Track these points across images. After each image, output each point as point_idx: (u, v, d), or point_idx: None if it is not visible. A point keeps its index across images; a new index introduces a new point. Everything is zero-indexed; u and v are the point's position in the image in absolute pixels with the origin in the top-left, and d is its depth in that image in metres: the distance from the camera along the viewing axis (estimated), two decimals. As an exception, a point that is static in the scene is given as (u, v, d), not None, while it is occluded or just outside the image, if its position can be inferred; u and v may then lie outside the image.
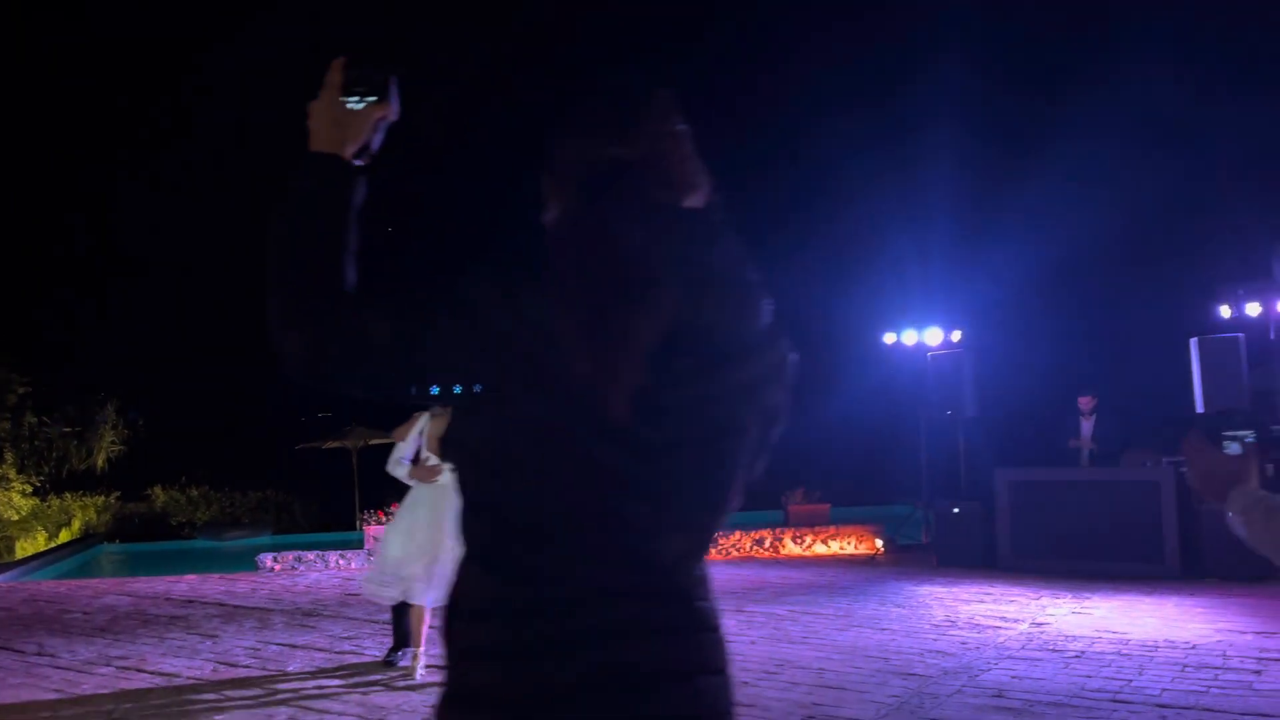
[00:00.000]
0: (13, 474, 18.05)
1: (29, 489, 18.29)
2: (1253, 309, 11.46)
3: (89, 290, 26.05)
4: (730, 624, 7.54)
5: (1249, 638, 6.67)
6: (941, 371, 12.06)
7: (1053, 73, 22.83)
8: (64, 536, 17.68)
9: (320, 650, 6.97)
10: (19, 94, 24.67)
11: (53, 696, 5.81)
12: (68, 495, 19.27)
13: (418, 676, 5.96)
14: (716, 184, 1.48)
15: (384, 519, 12.36)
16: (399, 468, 6.33)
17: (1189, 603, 8.05)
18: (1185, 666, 5.97)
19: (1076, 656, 6.33)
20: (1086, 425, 10.86)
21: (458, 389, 1.32)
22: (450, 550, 5.61)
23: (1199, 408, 9.90)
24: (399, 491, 6.45)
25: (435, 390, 1.34)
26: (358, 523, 16.41)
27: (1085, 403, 10.92)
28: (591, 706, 1.28)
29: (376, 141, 1.50)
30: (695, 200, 1.45)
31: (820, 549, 12.83)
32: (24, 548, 16.04)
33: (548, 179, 1.45)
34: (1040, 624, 7.42)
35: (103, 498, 19.91)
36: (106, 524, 19.49)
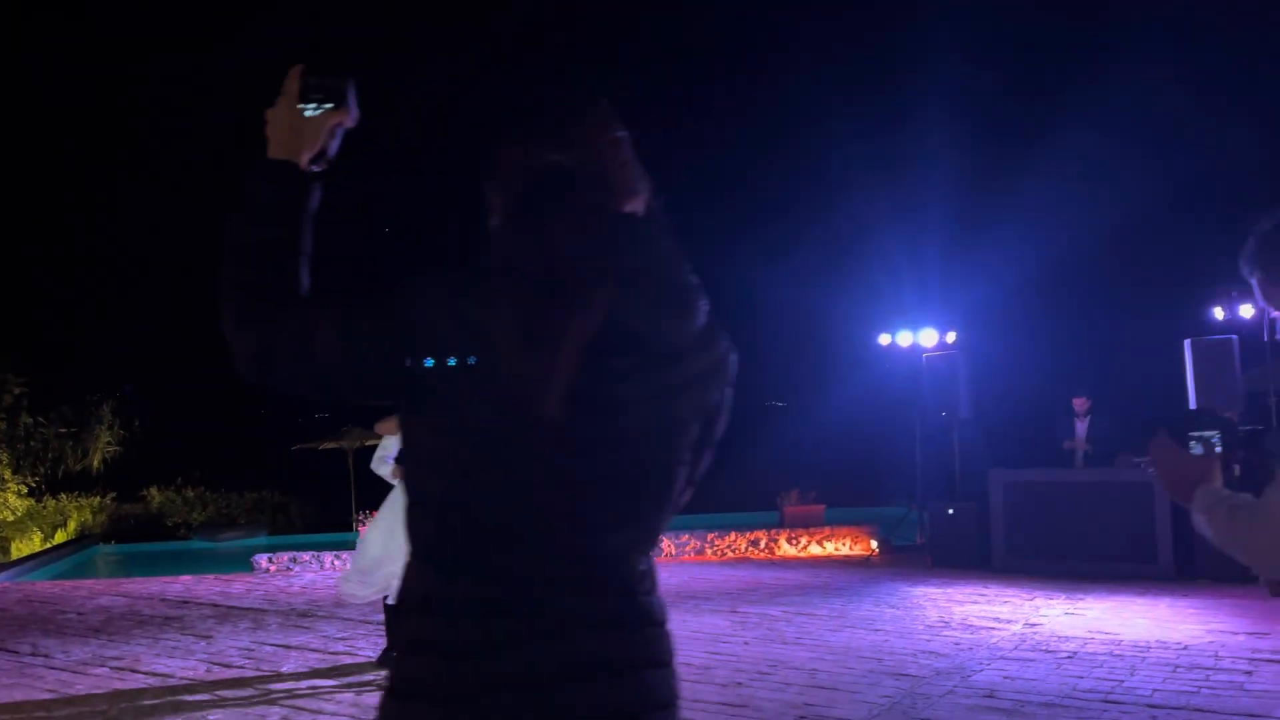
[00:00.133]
0: (8, 475, 18.02)
1: (24, 490, 18.26)
2: (1246, 310, 11.48)
3: (88, 290, 26.03)
4: (724, 625, 7.58)
5: (1241, 638, 6.68)
6: (936, 373, 12.07)
7: (1048, 74, 22.88)
8: (60, 537, 17.66)
9: (314, 651, 6.98)
10: (19, 94, 24.65)
11: (47, 696, 5.82)
12: (63, 496, 19.24)
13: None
14: (658, 188, 1.52)
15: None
16: (383, 466, 6.34)
17: (1182, 603, 8.07)
18: (1177, 667, 5.99)
19: (1069, 657, 6.34)
20: (1081, 426, 10.88)
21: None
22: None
23: (1193, 405, 9.92)
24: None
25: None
26: (354, 523, 16.41)
27: (1080, 404, 10.94)
28: (532, 700, 1.30)
29: (333, 147, 1.53)
30: (635, 205, 1.48)
31: (815, 550, 12.84)
32: (19, 548, 16.02)
33: (489, 185, 1.48)
34: (1033, 625, 7.44)
35: (98, 498, 19.87)
36: (102, 525, 19.46)
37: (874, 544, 12.49)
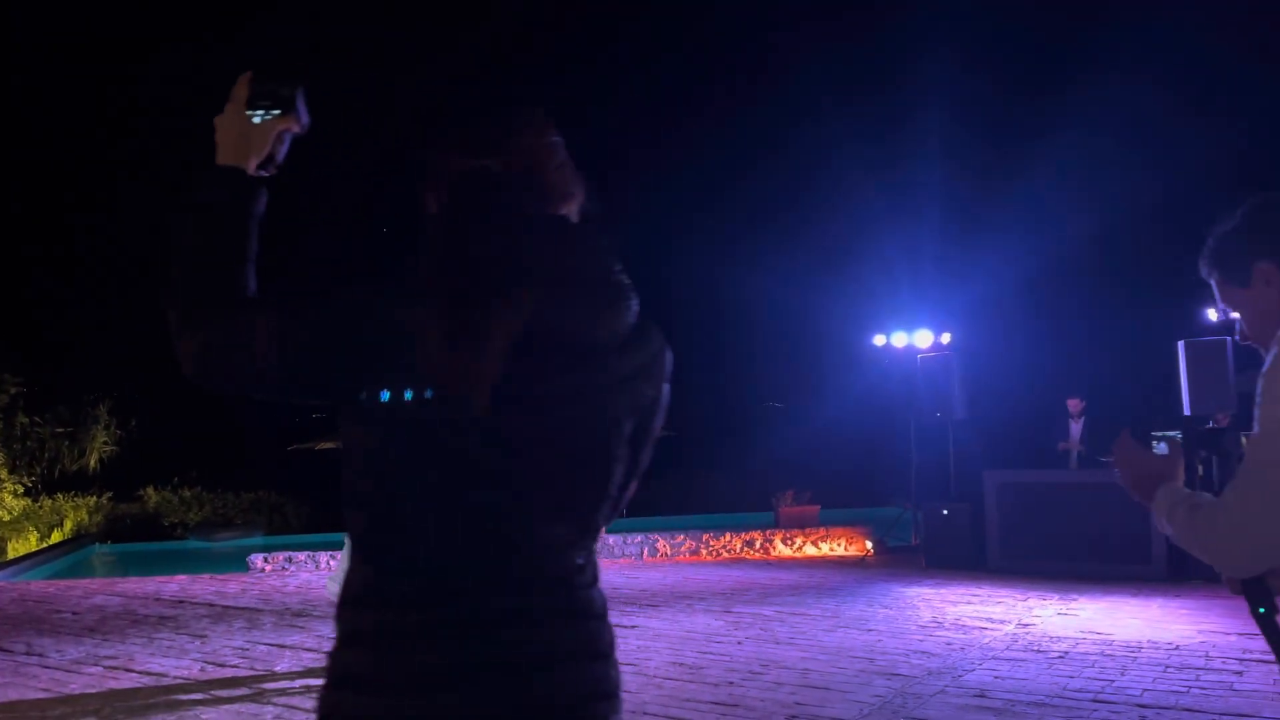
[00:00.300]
0: (4, 474, 18.02)
1: (21, 489, 18.26)
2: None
3: (87, 290, 26.00)
4: (717, 625, 7.60)
5: (1232, 639, 6.71)
6: (931, 373, 12.10)
7: (1043, 76, 22.92)
8: (56, 537, 17.65)
9: (309, 650, 6.99)
10: (19, 94, 24.65)
11: (40, 696, 5.83)
12: (60, 496, 19.22)
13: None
14: (593, 190, 1.56)
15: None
16: None
17: (1174, 604, 8.10)
18: (1167, 667, 6.02)
19: (1060, 657, 6.37)
20: (1075, 427, 10.91)
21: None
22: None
23: (1186, 410, 9.95)
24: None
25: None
26: (350, 523, 16.40)
27: (1074, 405, 10.98)
28: (465, 691, 1.32)
29: (281, 153, 1.56)
30: (569, 207, 1.52)
31: (810, 550, 12.86)
32: (15, 548, 16.02)
33: (422, 189, 1.52)
34: (1026, 625, 7.46)
35: (95, 498, 19.85)
36: (98, 524, 19.44)
37: (869, 544, 12.52)
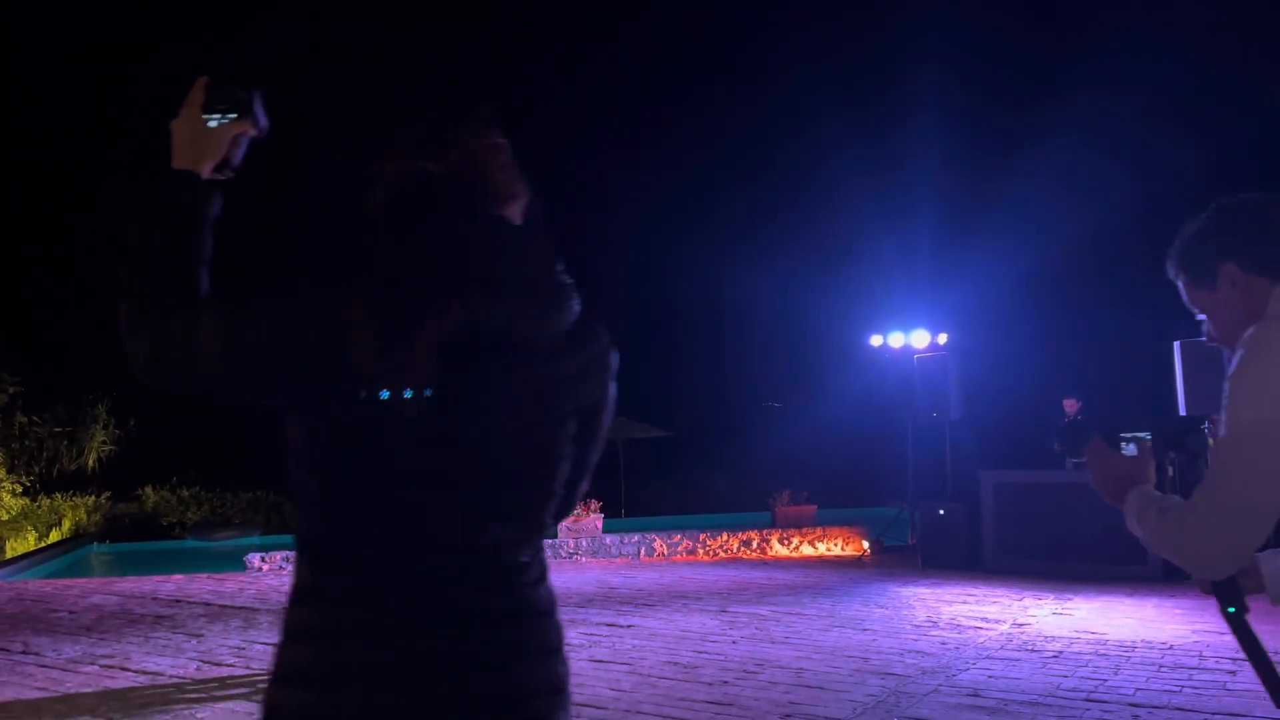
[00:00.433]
0: (3, 474, 18.04)
1: (19, 489, 18.28)
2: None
3: (86, 291, 26.01)
4: (713, 624, 7.62)
5: (1226, 638, 6.70)
6: (927, 374, 12.13)
7: (1036, 77, 22.96)
8: (54, 536, 17.65)
9: (304, 649, 7.00)
10: (18, 94, 24.65)
11: (36, 695, 5.84)
12: (58, 495, 19.24)
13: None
14: (537, 191, 1.56)
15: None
16: None
17: (1169, 604, 8.11)
18: (1161, 666, 6.03)
19: (1054, 657, 6.38)
20: (1071, 428, 10.92)
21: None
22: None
23: (1182, 410, 9.96)
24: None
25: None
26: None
27: (1070, 405, 11.00)
28: (405, 688, 1.34)
29: (238, 156, 1.58)
30: (513, 208, 1.52)
31: (807, 550, 12.88)
32: (14, 548, 16.02)
33: (365, 190, 1.52)
34: (1021, 625, 7.48)
35: (93, 498, 19.87)
36: (97, 524, 19.46)
37: (865, 544, 12.53)
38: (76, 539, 18.14)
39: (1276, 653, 1.77)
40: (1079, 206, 18.78)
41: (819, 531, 13.09)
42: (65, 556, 16.55)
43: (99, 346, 23.98)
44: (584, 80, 28.74)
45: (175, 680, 6.14)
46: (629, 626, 7.59)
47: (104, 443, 21.03)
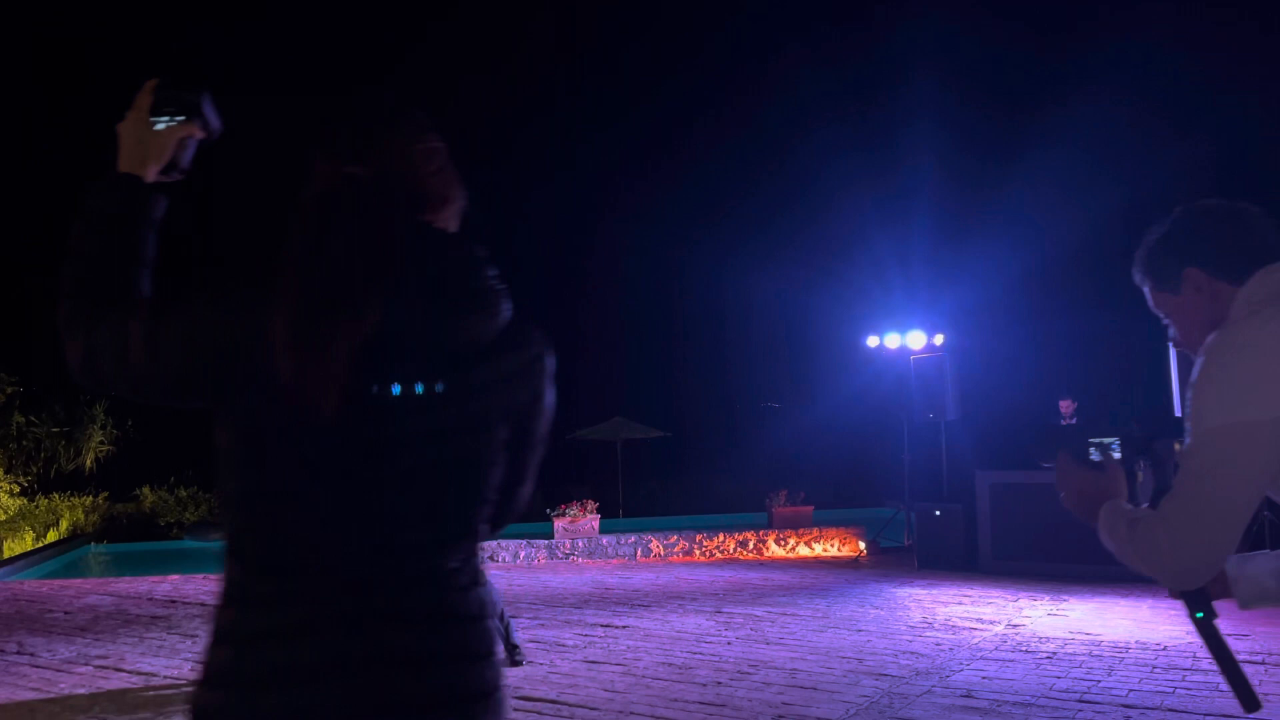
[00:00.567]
0: (0, 474, 18.04)
1: (16, 489, 18.28)
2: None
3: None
4: (708, 625, 7.62)
5: (1220, 639, 6.72)
6: (924, 375, 12.13)
7: (1030, 83, 23.02)
8: (51, 536, 17.66)
9: (299, 650, 7.00)
10: (18, 93, 24.66)
11: (30, 696, 5.84)
12: (56, 495, 19.25)
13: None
14: (472, 197, 1.56)
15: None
16: None
17: (1164, 605, 8.12)
18: (1154, 668, 6.04)
19: (1048, 658, 6.39)
20: (1068, 428, 10.93)
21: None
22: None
23: (1177, 411, 9.97)
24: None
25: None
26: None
27: (1066, 406, 11.00)
28: (324, 689, 1.34)
29: (186, 159, 1.57)
30: (446, 213, 1.52)
31: (804, 551, 12.89)
32: (11, 548, 16.03)
33: (294, 195, 1.52)
34: (1016, 625, 7.48)
35: (91, 498, 19.87)
36: (94, 524, 19.46)
37: (862, 545, 12.54)
38: (74, 539, 18.14)
39: (1242, 654, 1.77)
40: (1073, 209, 18.81)
41: (815, 532, 13.09)
42: (62, 556, 16.55)
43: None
44: (592, 91, 28.83)
45: (169, 681, 6.14)
46: (624, 627, 7.59)
47: (102, 443, 21.04)
